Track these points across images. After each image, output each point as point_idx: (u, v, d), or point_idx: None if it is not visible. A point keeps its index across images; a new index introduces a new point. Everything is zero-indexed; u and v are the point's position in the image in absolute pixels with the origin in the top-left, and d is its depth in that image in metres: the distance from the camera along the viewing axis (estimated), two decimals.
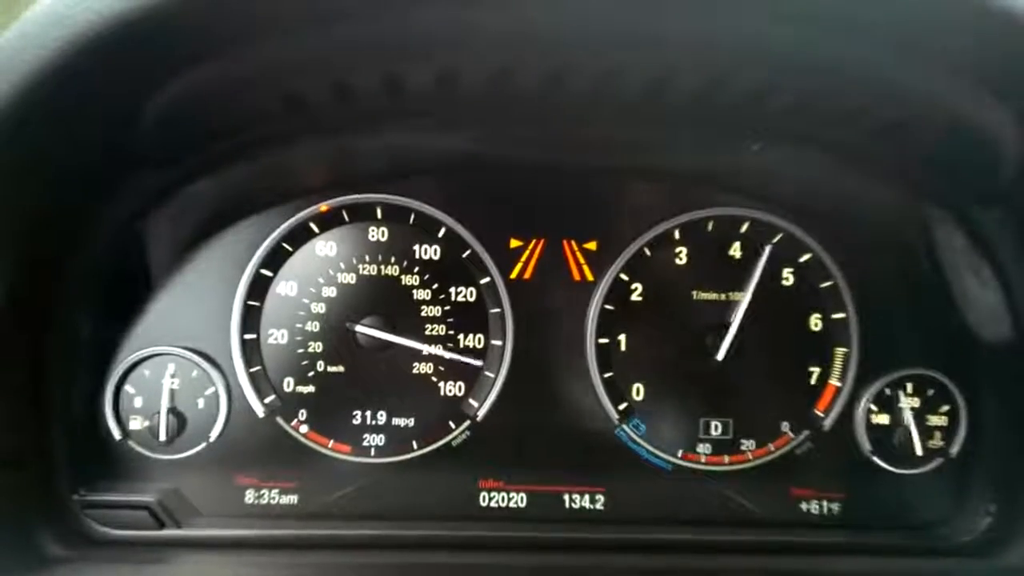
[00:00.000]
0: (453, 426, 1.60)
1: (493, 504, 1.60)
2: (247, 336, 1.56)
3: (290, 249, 1.57)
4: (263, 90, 1.18)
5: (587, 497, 1.61)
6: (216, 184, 1.46)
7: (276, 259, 1.57)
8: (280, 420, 1.57)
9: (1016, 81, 1.04)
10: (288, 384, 1.58)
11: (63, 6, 0.91)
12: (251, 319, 1.56)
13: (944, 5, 0.91)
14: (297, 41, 1.05)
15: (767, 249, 1.59)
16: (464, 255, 1.60)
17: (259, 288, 1.56)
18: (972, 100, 1.11)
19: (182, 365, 1.54)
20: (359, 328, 1.56)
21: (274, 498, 1.57)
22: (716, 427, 1.62)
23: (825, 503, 1.62)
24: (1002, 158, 1.19)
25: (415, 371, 1.59)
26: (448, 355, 1.58)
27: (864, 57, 1.07)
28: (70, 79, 0.93)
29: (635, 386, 1.62)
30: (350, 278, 1.58)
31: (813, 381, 1.62)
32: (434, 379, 1.60)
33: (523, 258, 1.60)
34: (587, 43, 1.13)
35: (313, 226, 1.57)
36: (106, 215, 1.36)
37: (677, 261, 1.62)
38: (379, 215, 1.59)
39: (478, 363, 1.59)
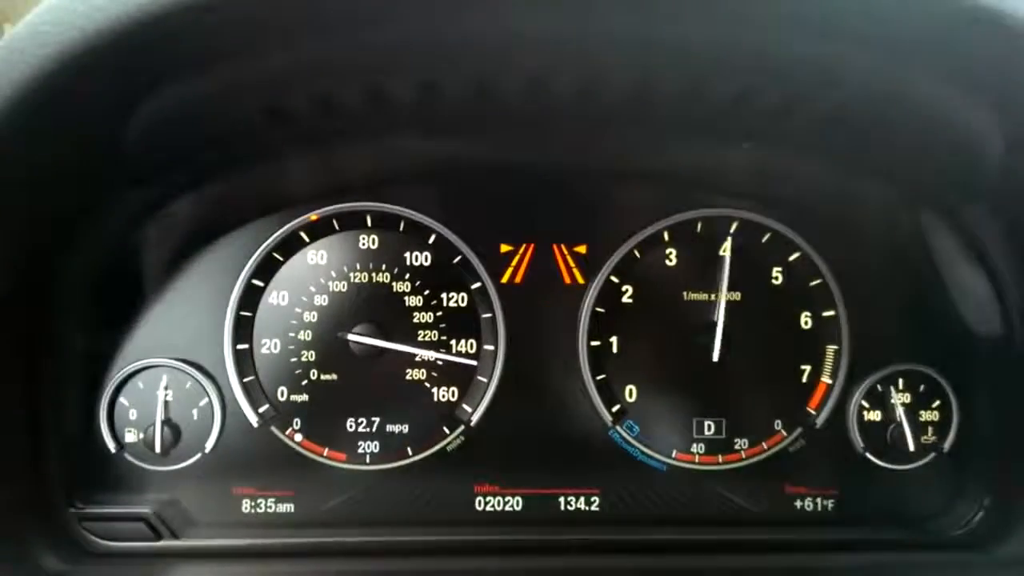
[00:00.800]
0: (447, 431, 1.60)
1: (489, 508, 1.61)
2: (240, 346, 1.56)
3: (281, 259, 1.58)
4: (249, 104, 1.19)
5: (582, 499, 1.62)
6: (206, 196, 1.47)
7: (267, 269, 1.57)
8: (275, 429, 1.57)
9: (998, 83, 1.05)
10: (282, 393, 1.58)
11: (47, 23, 0.92)
12: (243, 329, 1.57)
13: (927, 8, 0.92)
14: (284, 55, 1.06)
15: (728, 241, 1.60)
16: (455, 261, 1.60)
17: (251, 298, 1.57)
18: (954, 101, 1.12)
19: (175, 376, 1.54)
20: (351, 337, 1.56)
21: (270, 507, 1.58)
22: (709, 427, 1.62)
23: (819, 500, 1.62)
24: (984, 157, 1.20)
25: (408, 377, 1.60)
26: (443, 356, 1.58)
27: (849, 60, 1.08)
28: (55, 95, 0.94)
29: (628, 388, 1.62)
30: (341, 286, 1.59)
31: (804, 379, 1.62)
32: (427, 385, 1.61)
33: (514, 263, 1.61)
34: (573, 49, 1.14)
35: (303, 235, 1.58)
36: (97, 228, 1.37)
37: (667, 262, 1.62)
38: (369, 223, 1.59)
39: (472, 363, 1.59)
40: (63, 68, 0.91)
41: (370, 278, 1.59)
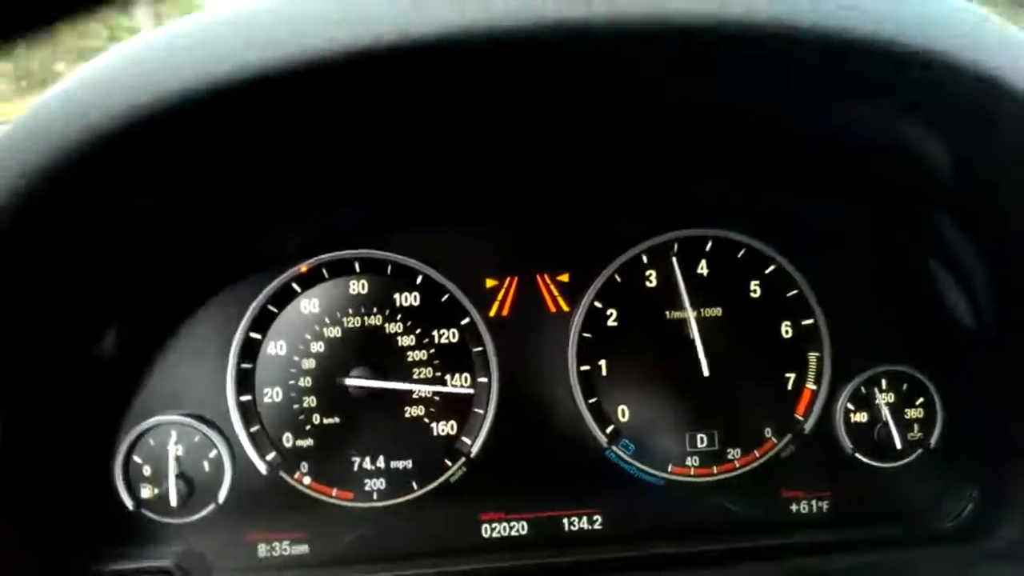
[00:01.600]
0: (450, 464, 1.65)
1: (495, 534, 1.66)
2: (243, 398, 1.61)
3: (276, 310, 1.63)
4: (240, 179, 1.25)
5: (585, 519, 1.67)
6: (199, 259, 1.53)
7: (263, 321, 1.63)
8: (283, 474, 1.62)
9: (948, 115, 1.11)
10: (287, 440, 1.63)
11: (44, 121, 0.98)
12: (245, 381, 1.62)
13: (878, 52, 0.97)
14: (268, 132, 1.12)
15: (674, 259, 1.65)
16: (443, 299, 1.65)
17: (250, 351, 1.62)
18: (910, 133, 1.18)
19: (184, 431, 1.60)
20: (349, 381, 1.61)
21: (285, 550, 1.63)
22: (702, 439, 1.67)
23: (814, 502, 1.66)
24: (941, 172, 1.25)
25: (407, 415, 1.65)
26: (440, 389, 1.63)
27: (810, 100, 1.14)
28: (55, 185, 1.00)
29: (620, 408, 1.67)
30: (336, 331, 1.64)
31: (790, 387, 1.67)
32: (426, 420, 1.65)
33: (499, 296, 1.66)
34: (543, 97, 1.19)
35: (295, 286, 1.63)
36: (101, 299, 1.43)
37: (647, 284, 1.67)
38: (357, 268, 1.65)
39: (469, 391, 1.65)
40: (60, 164, 0.98)
41: (362, 322, 1.65)
